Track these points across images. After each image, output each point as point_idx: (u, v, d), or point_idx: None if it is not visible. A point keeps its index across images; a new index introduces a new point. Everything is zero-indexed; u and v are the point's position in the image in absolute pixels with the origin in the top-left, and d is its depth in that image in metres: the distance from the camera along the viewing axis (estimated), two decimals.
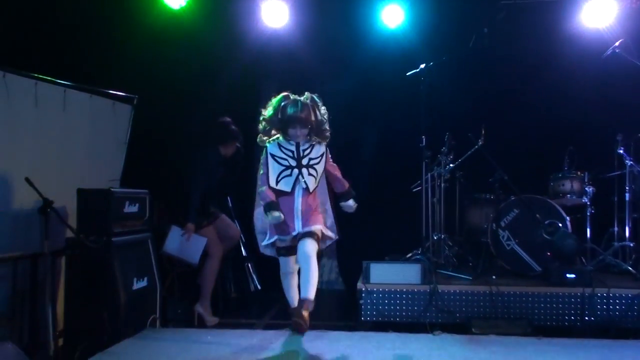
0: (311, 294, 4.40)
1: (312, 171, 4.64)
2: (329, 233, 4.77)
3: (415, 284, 5.54)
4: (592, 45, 6.51)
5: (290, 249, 4.68)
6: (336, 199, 4.86)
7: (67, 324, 5.03)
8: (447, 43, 6.81)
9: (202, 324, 5.78)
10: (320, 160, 4.70)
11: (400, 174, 6.93)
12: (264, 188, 4.63)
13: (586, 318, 5.30)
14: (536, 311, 5.38)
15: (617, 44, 6.09)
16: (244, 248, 6.59)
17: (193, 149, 6.00)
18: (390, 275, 5.60)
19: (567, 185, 6.39)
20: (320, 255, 4.55)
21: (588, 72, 6.55)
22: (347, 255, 7.00)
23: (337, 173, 4.84)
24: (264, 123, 4.67)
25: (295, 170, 4.62)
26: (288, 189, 4.61)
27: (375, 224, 7.02)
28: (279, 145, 4.65)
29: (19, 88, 5.06)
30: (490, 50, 6.72)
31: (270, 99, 4.66)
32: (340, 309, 6.13)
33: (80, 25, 6.26)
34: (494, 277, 5.72)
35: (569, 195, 6.35)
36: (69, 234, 4.89)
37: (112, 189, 5.14)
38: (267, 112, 4.63)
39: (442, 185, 6.63)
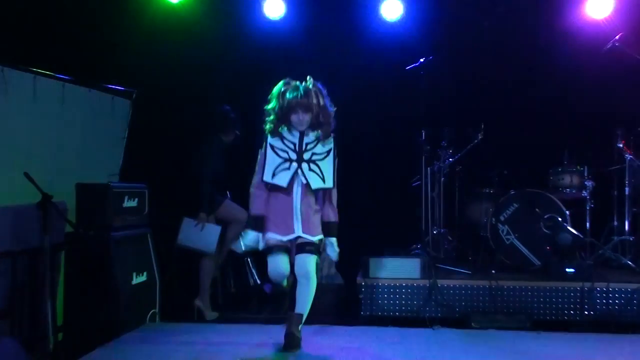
0: (306, 310, 4.26)
1: (313, 167, 4.24)
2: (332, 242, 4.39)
3: (414, 279, 5.54)
4: (592, 39, 6.49)
5: (282, 247, 4.27)
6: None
7: (67, 318, 5.03)
8: (447, 37, 6.80)
9: (201, 319, 5.77)
10: (326, 157, 4.27)
11: (400, 168, 6.93)
12: (253, 190, 4.34)
13: (585, 312, 5.31)
14: (535, 305, 5.39)
15: (617, 37, 6.08)
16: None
17: (196, 139, 5.98)
18: (389, 270, 5.59)
19: (567, 179, 6.38)
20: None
21: (588, 65, 6.53)
22: (347, 249, 6.97)
23: (333, 193, 4.39)
24: (268, 118, 4.31)
25: (294, 164, 4.24)
26: (284, 184, 4.22)
27: (374, 218, 7.01)
28: (281, 137, 4.30)
29: (18, 82, 5.04)
30: (489, 43, 6.71)
31: (269, 92, 4.38)
32: (340, 303, 6.13)
33: (79, 19, 6.23)
34: (493, 271, 5.72)
35: (568, 190, 6.35)
36: (69, 228, 4.88)
37: (111, 184, 5.14)
38: (269, 105, 4.31)
39: (442, 179, 6.63)
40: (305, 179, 4.24)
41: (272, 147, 4.30)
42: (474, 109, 6.82)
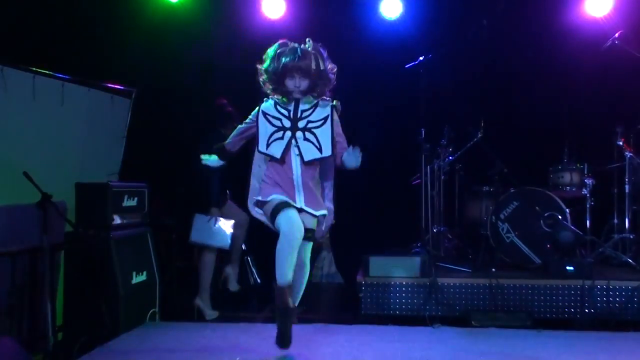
0: (298, 300, 4.08)
1: (309, 135, 3.88)
2: (328, 220, 4.10)
3: (414, 277, 5.54)
4: (591, 37, 6.49)
5: (293, 204, 3.85)
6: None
7: (67, 318, 5.03)
8: (446, 35, 6.79)
9: (201, 318, 5.77)
10: (323, 123, 3.92)
11: (400, 166, 6.92)
12: (232, 135, 4.14)
13: (586, 310, 5.29)
14: (536, 304, 5.38)
15: (616, 35, 6.07)
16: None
17: (196, 138, 5.98)
18: (389, 268, 5.59)
19: (567, 177, 6.37)
20: (319, 249, 4.27)
21: (587, 63, 6.52)
22: (347, 248, 6.98)
23: (342, 139, 4.02)
24: (262, 79, 3.99)
25: (288, 133, 3.89)
26: (277, 154, 3.88)
27: (374, 216, 7.01)
28: (275, 104, 3.95)
29: (17, 82, 5.04)
30: (489, 42, 6.70)
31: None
32: (340, 302, 6.13)
33: (79, 18, 6.24)
34: (493, 269, 5.71)
35: (568, 187, 6.34)
36: (68, 228, 4.88)
37: (110, 183, 5.13)
38: (264, 64, 3.95)
39: (442, 177, 6.63)
40: (299, 149, 3.89)
41: (265, 114, 3.95)
42: (473, 107, 6.81)
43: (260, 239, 5.58)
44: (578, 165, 6.36)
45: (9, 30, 5.63)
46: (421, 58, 6.18)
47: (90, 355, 4.24)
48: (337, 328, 4.92)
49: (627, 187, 6.19)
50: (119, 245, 5.00)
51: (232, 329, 4.93)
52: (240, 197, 6.42)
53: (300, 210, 3.88)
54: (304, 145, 3.89)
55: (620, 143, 6.16)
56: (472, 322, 5.21)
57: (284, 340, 3.88)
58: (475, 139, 6.49)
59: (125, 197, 5.23)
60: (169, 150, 6.69)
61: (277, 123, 3.91)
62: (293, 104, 3.93)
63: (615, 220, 6.34)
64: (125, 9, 6.47)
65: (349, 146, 3.93)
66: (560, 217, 5.94)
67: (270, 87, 3.95)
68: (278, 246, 3.72)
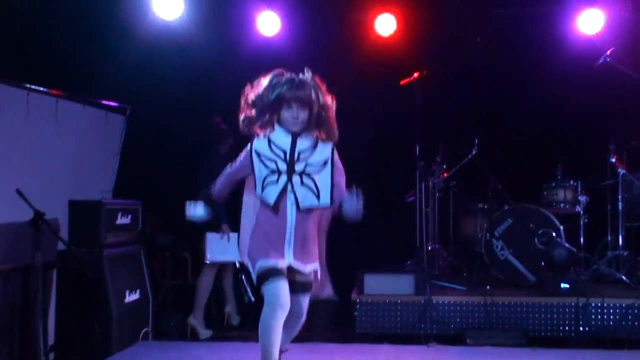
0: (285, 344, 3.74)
1: (307, 180, 3.46)
2: (326, 284, 3.80)
3: (409, 295, 5.52)
4: (584, 54, 6.53)
5: (280, 270, 3.45)
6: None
7: (59, 337, 4.99)
8: (441, 52, 6.82)
9: (195, 337, 5.73)
10: (323, 168, 3.50)
11: (394, 183, 6.92)
12: (220, 181, 3.69)
13: (581, 328, 5.29)
14: (531, 322, 5.37)
15: (608, 52, 6.11)
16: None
17: (192, 155, 5.98)
18: (384, 286, 5.58)
19: (561, 194, 6.39)
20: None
21: (580, 81, 6.56)
22: (341, 265, 6.94)
23: (342, 183, 3.60)
24: (248, 113, 3.53)
25: (284, 178, 3.45)
26: (271, 200, 3.45)
27: (369, 234, 6.97)
28: (269, 142, 3.47)
29: (11, 98, 5.03)
30: (483, 59, 6.74)
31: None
32: (335, 320, 6.10)
33: (74, 34, 6.23)
34: (488, 287, 5.70)
35: (562, 205, 6.36)
36: (61, 246, 4.85)
37: (104, 200, 5.12)
38: (254, 94, 3.51)
39: (436, 195, 6.63)
40: (295, 196, 3.46)
41: (258, 154, 3.49)
42: (467, 124, 6.83)
43: None
44: (572, 183, 6.38)
45: (3, 47, 5.62)
46: (416, 75, 6.20)
47: None
48: (332, 347, 4.90)
49: (620, 204, 6.21)
50: (112, 263, 4.98)
51: (226, 348, 4.91)
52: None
53: (289, 267, 3.51)
54: (300, 191, 3.46)
55: (613, 160, 6.19)
56: (467, 341, 5.20)
57: None
58: (470, 156, 6.50)
59: (119, 214, 5.21)
60: (163, 167, 6.67)
61: (272, 165, 3.46)
62: (290, 141, 3.47)
63: (609, 238, 6.36)
64: (121, 26, 6.46)
65: (349, 187, 3.55)
66: (554, 234, 5.95)
67: (260, 122, 3.47)
68: (262, 316, 3.42)
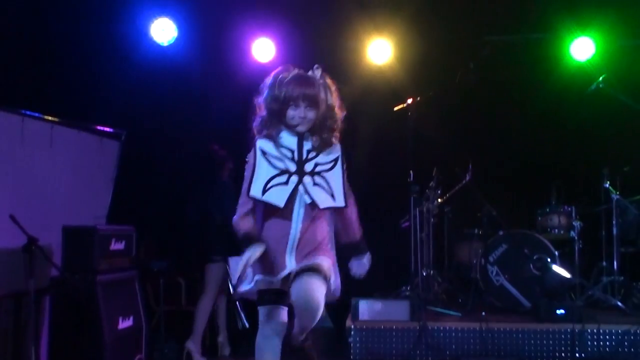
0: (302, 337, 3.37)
1: (319, 180, 3.21)
2: (334, 281, 3.34)
3: (404, 321, 5.49)
4: (577, 80, 6.59)
5: (280, 294, 3.24)
6: (341, 251, 3.50)
7: None
8: (434, 78, 6.87)
9: None
10: (334, 166, 3.27)
11: (389, 209, 6.92)
12: (236, 218, 3.27)
13: (577, 355, 5.26)
14: (526, 348, 5.33)
15: (600, 79, 6.15)
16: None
17: (187, 181, 6.00)
18: (379, 312, 5.54)
19: (555, 219, 6.41)
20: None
21: (573, 106, 6.62)
22: None
23: (351, 205, 3.36)
24: (259, 111, 3.31)
25: (294, 178, 3.18)
26: (280, 203, 3.14)
27: None
28: (275, 142, 3.24)
29: (6, 124, 5.03)
30: (476, 85, 6.79)
31: None
32: (329, 348, 6.04)
33: (69, 60, 6.27)
34: (483, 313, 5.67)
35: (556, 230, 6.37)
36: (54, 272, 4.82)
37: (97, 226, 5.10)
38: (262, 96, 3.29)
39: (431, 220, 6.62)
40: (310, 196, 3.17)
41: (264, 152, 3.22)
42: (461, 149, 6.86)
43: None
44: (566, 208, 6.40)
45: None
46: (409, 100, 6.24)
47: None
48: None
49: (614, 229, 6.22)
50: (106, 289, 4.94)
51: None
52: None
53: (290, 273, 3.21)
54: (314, 191, 3.18)
55: (607, 185, 6.21)
56: None
57: None
58: (464, 182, 6.51)
59: (113, 240, 5.19)
60: (158, 192, 6.67)
61: (280, 165, 3.19)
62: (296, 142, 3.24)
63: (604, 263, 6.35)
64: (115, 51, 6.50)
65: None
66: (549, 259, 5.95)
67: (263, 124, 3.27)
68: (257, 339, 3.27)
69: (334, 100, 3.31)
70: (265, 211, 3.24)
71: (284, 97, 3.17)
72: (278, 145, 3.22)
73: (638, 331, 5.21)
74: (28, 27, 5.86)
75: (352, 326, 5.49)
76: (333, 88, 3.32)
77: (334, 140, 3.30)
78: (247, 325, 6.02)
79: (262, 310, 3.26)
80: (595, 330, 5.29)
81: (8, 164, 5.07)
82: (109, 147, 6.38)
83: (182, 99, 6.88)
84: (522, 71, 6.89)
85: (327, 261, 3.24)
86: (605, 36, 6.67)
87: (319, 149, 3.25)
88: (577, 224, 6.30)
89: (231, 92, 6.82)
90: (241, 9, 6.69)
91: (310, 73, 3.30)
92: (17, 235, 4.51)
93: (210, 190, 5.84)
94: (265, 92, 3.26)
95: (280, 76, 3.24)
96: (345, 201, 3.26)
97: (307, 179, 3.19)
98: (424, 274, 6.47)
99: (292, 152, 3.22)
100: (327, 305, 3.35)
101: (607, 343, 5.25)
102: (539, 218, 6.50)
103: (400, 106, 6.28)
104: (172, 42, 6.72)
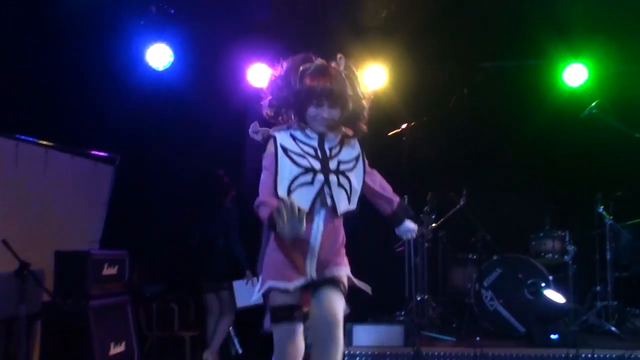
0: None
1: (343, 180, 2.92)
2: (361, 284, 3.16)
3: (398, 346, 5.46)
4: (570, 106, 6.63)
5: (293, 310, 2.90)
6: (386, 223, 3.38)
7: None
8: (428, 103, 6.91)
9: None
10: (356, 164, 3.01)
11: (383, 234, 6.89)
12: (264, 199, 2.83)
13: None
14: None
15: (593, 105, 6.19)
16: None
17: (202, 209, 6.03)
18: (373, 337, 5.51)
19: (549, 244, 6.41)
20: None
21: (567, 132, 6.66)
22: None
23: (380, 182, 3.25)
24: (271, 102, 2.97)
25: (320, 177, 2.86)
26: (305, 205, 2.79)
27: None
28: (293, 137, 2.91)
29: (0, 148, 5.04)
30: (470, 110, 6.83)
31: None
32: None
33: (63, 84, 6.29)
34: (478, 338, 5.64)
35: (550, 255, 6.37)
36: (46, 297, 4.80)
37: (90, 251, 5.10)
38: (277, 83, 2.93)
39: (425, 245, 6.62)
40: (332, 200, 2.88)
41: (285, 149, 2.87)
42: (456, 174, 6.88)
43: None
44: (560, 233, 6.40)
45: None
46: (404, 126, 6.26)
47: None
48: None
49: (608, 254, 6.21)
50: (98, 314, 4.93)
51: None
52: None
53: (310, 282, 2.94)
54: (337, 193, 2.90)
55: (601, 210, 6.22)
56: None
57: None
58: (458, 206, 6.52)
59: (106, 265, 5.18)
60: (152, 217, 6.66)
61: (304, 162, 2.86)
62: (317, 137, 2.93)
63: (598, 288, 6.33)
64: (110, 76, 6.53)
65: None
66: (543, 284, 5.94)
67: (285, 116, 2.98)
68: None
69: (360, 90, 2.96)
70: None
71: (306, 93, 2.84)
72: (297, 141, 2.91)
73: (632, 356, 5.18)
74: (23, 52, 5.89)
75: (347, 351, 5.45)
76: (359, 77, 2.98)
77: (360, 131, 3.04)
78: (240, 351, 6.00)
79: (276, 332, 2.89)
80: (589, 356, 5.25)
81: (2, 187, 5.08)
82: (103, 171, 6.40)
83: (177, 124, 6.91)
84: (515, 97, 6.94)
85: (346, 271, 3.03)
86: (597, 62, 6.73)
87: (339, 147, 2.97)
88: (571, 248, 6.29)
89: (226, 117, 6.87)
90: (237, 34, 6.74)
91: (334, 64, 2.94)
92: (9, 260, 4.51)
93: (215, 217, 5.88)
94: (280, 80, 2.91)
95: (301, 66, 2.88)
96: (358, 202, 3.02)
97: (332, 178, 2.89)
98: (418, 298, 6.45)
99: (315, 149, 2.90)
100: None
101: None
102: (533, 242, 6.50)
103: (395, 131, 6.31)
104: (167, 67, 6.75)
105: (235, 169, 6.42)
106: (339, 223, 3.01)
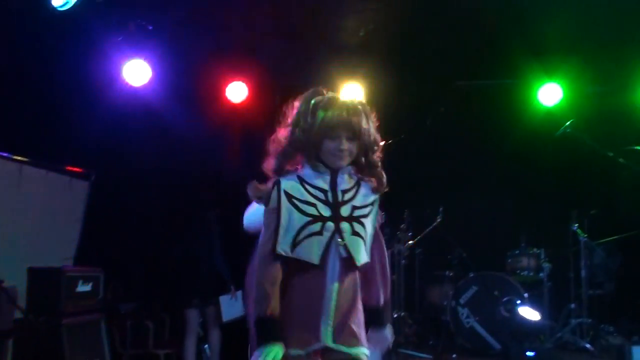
0: None
1: (358, 228, 2.57)
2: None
3: None
4: (544, 125, 6.71)
5: None
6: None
7: None
8: (405, 121, 6.95)
9: None
10: (371, 210, 2.66)
11: None
12: (260, 279, 2.52)
13: None
14: None
15: (568, 124, 6.27)
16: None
17: (193, 227, 6.00)
18: None
19: (524, 261, 6.47)
20: None
21: (542, 150, 6.73)
22: None
23: (380, 256, 2.73)
24: (277, 146, 2.65)
25: (329, 225, 2.52)
26: (314, 259, 2.49)
27: None
28: (301, 181, 2.58)
29: None
30: (447, 128, 6.88)
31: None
32: None
33: (39, 101, 6.24)
34: (454, 356, 5.66)
35: (526, 272, 6.42)
36: (19, 314, 4.72)
37: (64, 267, 5.03)
38: (292, 120, 2.63)
39: (402, 262, 6.63)
40: (347, 250, 2.53)
41: (290, 196, 2.56)
42: (432, 192, 6.92)
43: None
44: (535, 250, 6.46)
45: None
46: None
47: None
48: None
49: (582, 271, 6.27)
50: (71, 332, 4.86)
51: None
52: None
53: (324, 349, 2.53)
54: (352, 242, 2.55)
55: (575, 228, 6.29)
56: None
57: None
58: (435, 224, 6.55)
59: (80, 282, 5.12)
60: (127, 234, 6.60)
61: (311, 210, 2.53)
62: (329, 179, 2.60)
63: (573, 305, 6.38)
64: (87, 91, 6.49)
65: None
66: (519, 301, 5.97)
67: (294, 160, 2.63)
68: None
69: (375, 130, 2.70)
70: (292, 267, 2.52)
71: (319, 126, 2.55)
72: (305, 184, 2.58)
73: None
74: None
75: None
76: (373, 116, 2.69)
77: (382, 181, 2.72)
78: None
79: None
80: None
81: None
82: (78, 187, 6.35)
83: (153, 140, 6.87)
84: (491, 115, 7.00)
85: (366, 353, 2.66)
86: (572, 82, 6.82)
87: (355, 189, 2.65)
88: (546, 265, 6.36)
89: (204, 134, 6.85)
90: (215, 51, 6.75)
91: (344, 96, 2.69)
92: None
93: (199, 233, 5.85)
94: (291, 122, 2.63)
95: (313, 100, 2.62)
96: (370, 255, 2.66)
97: (344, 226, 2.54)
98: (395, 315, 6.45)
99: (325, 192, 2.58)
100: None
101: None
102: (509, 260, 6.56)
103: None
104: (145, 83, 6.72)
105: (214, 185, 6.40)
106: (354, 275, 2.59)
